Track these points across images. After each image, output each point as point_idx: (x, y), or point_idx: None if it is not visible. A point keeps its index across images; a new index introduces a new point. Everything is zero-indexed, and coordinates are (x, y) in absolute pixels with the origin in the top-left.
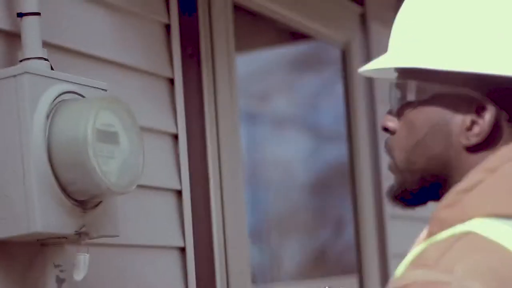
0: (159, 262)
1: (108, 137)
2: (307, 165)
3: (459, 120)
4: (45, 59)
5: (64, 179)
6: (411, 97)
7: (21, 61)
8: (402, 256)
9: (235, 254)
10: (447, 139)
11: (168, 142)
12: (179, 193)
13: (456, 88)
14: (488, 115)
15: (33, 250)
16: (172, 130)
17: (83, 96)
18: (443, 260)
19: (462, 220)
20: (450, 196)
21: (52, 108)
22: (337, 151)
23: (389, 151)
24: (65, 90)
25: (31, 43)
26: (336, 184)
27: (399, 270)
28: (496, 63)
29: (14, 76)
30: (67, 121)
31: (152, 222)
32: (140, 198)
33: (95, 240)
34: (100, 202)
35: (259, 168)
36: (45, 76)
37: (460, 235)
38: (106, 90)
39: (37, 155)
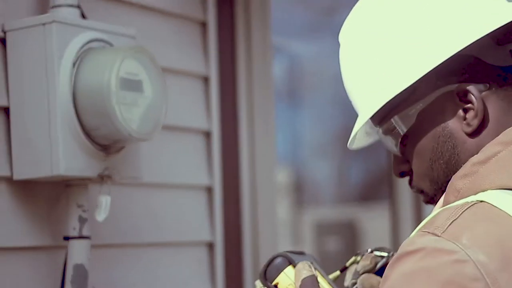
0: (184, 202)
1: (132, 85)
2: None
3: (453, 118)
4: (76, 6)
5: (88, 124)
6: (402, 130)
7: (52, 7)
8: None
9: (264, 198)
10: (452, 139)
11: (199, 85)
12: (208, 134)
13: (430, 94)
14: (473, 95)
15: (58, 190)
16: (203, 72)
17: (111, 44)
18: (451, 228)
19: (476, 191)
20: (466, 167)
21: (79, 56)
22: None
23: (417, 188)
24: (93, 38)
25: None
26: None
27: (413, 233)
28: (442, 50)
29: (43, 24)
30: (93, 69)
31: (179, 162)
32: (169, 138)
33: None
34: (123, 147)
35: (323, 83)
36: (73, 25)
37: (470, 204)
38: (134, 38)
39: (63, 101)
